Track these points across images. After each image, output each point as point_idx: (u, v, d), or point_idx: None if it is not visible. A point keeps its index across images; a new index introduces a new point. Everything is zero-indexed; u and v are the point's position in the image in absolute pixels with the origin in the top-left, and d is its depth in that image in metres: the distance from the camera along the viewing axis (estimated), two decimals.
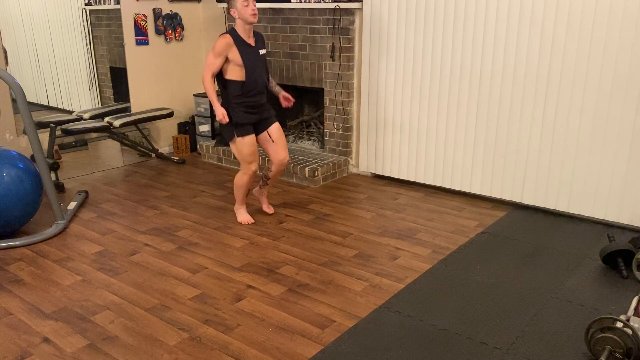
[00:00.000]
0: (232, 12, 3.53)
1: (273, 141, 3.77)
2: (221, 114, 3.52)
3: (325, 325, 2.67)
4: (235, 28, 3.56)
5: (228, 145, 5.31)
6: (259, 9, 5.00)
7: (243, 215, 3.93)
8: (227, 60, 3.54)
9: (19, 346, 2.51)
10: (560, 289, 3.00)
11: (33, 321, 2.71)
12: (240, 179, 3.80)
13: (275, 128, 3.79)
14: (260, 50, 3.65)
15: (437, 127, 4.39)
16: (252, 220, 3.91)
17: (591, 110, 3.69)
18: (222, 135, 5.34)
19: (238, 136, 3.63)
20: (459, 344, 2.52)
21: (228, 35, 3.51)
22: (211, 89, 3.55)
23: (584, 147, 3.77)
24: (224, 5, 5.30)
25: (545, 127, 3.89)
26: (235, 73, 3.56)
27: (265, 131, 3.76)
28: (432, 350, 2.47)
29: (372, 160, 4.84)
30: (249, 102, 3.63)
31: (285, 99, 3.81)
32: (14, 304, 2.86)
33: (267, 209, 4.06)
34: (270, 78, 3.83)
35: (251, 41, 3.60)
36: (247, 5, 3.46)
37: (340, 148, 5.01)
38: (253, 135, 3.69)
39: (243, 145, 3.65)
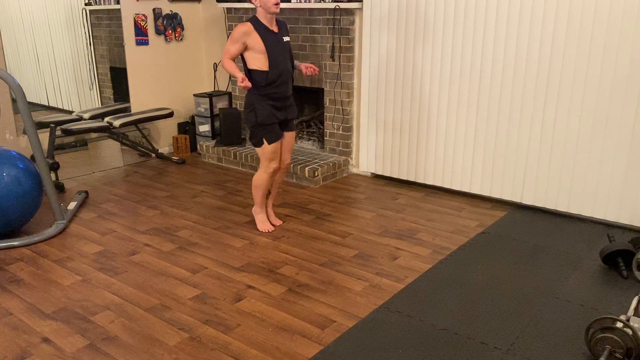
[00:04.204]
0: (253, 1, 3.40)
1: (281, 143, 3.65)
2: (241, 78, 3.28)
3: (325, 325, 2.67)
4: (257, 16, 3.43)
5: (229, 145, 5.33)
6: None
7: (263, 224, 3.78)
8: (248, 48, 3.42)
9: (19, 346, 2.51)
10: (560, 289, 3.00)
11: (33, 321, 2.71)
12: (260, 178, 3.64)
13: (290, 135, 3.68)
14: (284, 37, 3.51)
15: (437, 127, 4.39)
16: (273, 228, 3.78)
17: (591, 110, 3.69)
18: (220, 138, 5.33)
19: (269, 143, 3.53)
20: (459, 344, 2.52)
21: (248, 23, 3.40)
22: (232, 65, 3.40)
23: (584, 147, 3.77)
24: (224, 5, 5.30)
25: (545, 127, 3.89)
26: (259, 62, 3.42)
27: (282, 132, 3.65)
28: (432, 350, 2.47)
29: (372, 160, 4.84)
30: (274, 93, 3.48)
31: (307, 67, 3.63)
32: (14, 304, 2.86)
33: (275, 221, 3.88)
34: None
35: (274, 28, 3.47)
36: None
37: (340, 148, 5.01)
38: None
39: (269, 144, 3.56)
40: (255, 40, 3.39)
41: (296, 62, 3.70)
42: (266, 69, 3.43)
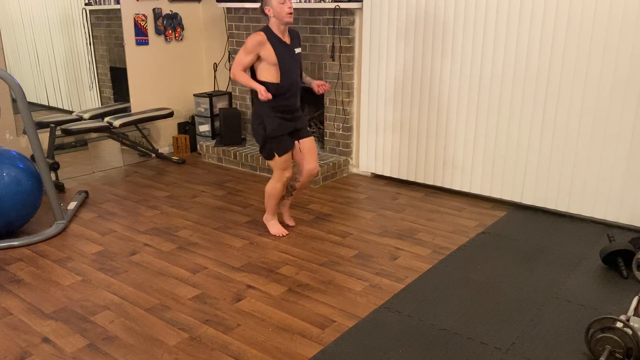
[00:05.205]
0: (266, 10, 3.35)
1: (300, 151, 3.59)
2: (263, 91, 3.27)
3: (325, 325, 2.67)
4: (270, 26, 3.39)
5: (229, 145, 5.33)
6: (258, 9, 4.99)
7: (276, 227, 3.72)
8: (259, 59, 3.37)
9: (19, 346, 2.51)
10: (560, 289, 3.00)
11: (33, 321, 2.71)
12: (274, 188, 3.59)
13: (308, 140, 3.62)
14: (295, 49, 3.47)
15: (437, 127, 4.39)
16: (286, 232, 3.72)
17: (591, 110, 3.69)
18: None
19: (279, 156, 3.47)
20: (459, 344, 2.52)
21: (261, 33, 3.35)
22: (244, 76, 3.37)
23: (584, 147, 3.77)
24: (224, 5, 5.30)
25: (545, 127, 3.89)
26: (269, 73, 3.38)
27: (297, 141, 3.58)
28: (432, 350, 2.47)
29: (372, 160, 4.84)
30: (283, 105, 3.44)
31: (319, 85, 3.58)
32: (14, 304, 2.86)
33: (289, 220, 3.84)
34: (302, 74, 3.66)
35: (286, 39, 3.42)
36: (283, 3, 3.28)
37: (340, 148, 5.01)
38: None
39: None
40: (268, 52, 3.34)
41: (308, 79, 3.67)
42: (276, 81, 3.39)
